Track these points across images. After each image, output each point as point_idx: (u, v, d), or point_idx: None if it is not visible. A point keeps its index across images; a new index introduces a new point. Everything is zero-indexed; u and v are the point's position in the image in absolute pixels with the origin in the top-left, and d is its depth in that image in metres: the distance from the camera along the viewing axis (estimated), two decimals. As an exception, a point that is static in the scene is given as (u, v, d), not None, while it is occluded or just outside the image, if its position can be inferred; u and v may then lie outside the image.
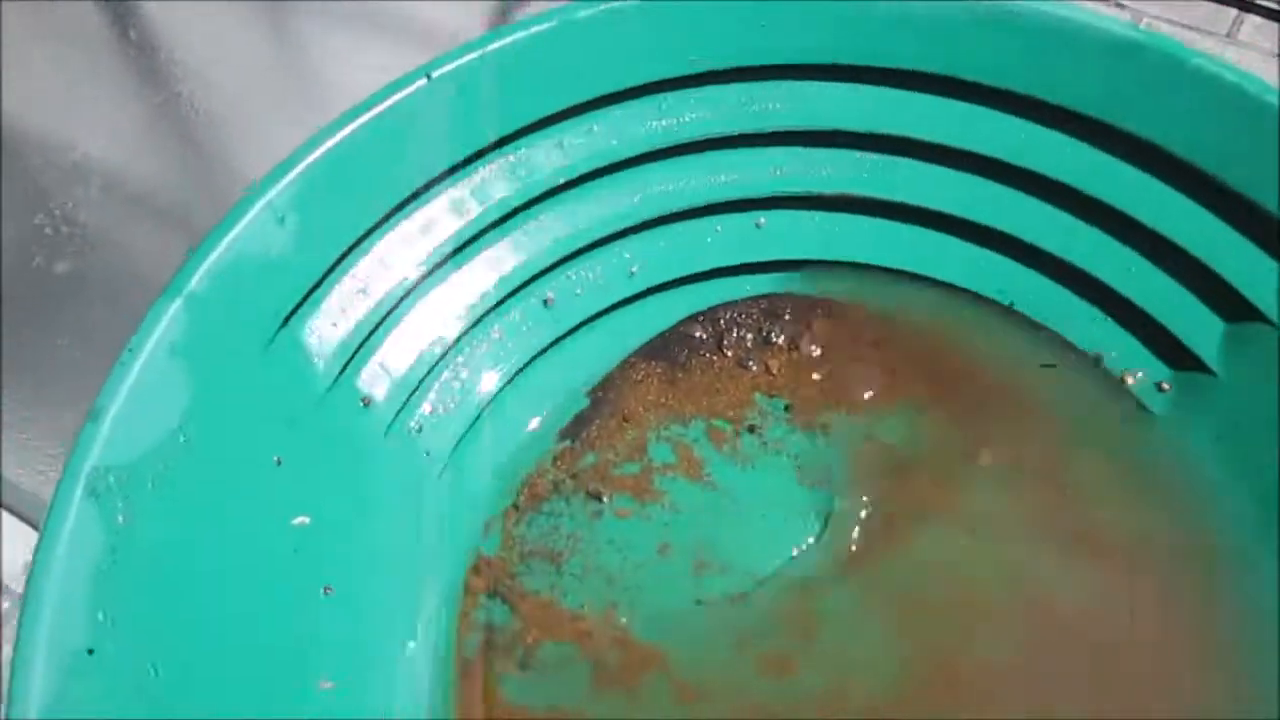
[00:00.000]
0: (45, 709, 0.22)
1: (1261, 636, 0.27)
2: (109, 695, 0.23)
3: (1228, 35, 0.44)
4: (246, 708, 0.25)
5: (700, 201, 0.33)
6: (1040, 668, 0.28)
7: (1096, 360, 0.32)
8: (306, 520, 0.28)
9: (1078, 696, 0.28)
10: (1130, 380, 0.31)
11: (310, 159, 0.29)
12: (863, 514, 0.30)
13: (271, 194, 0.28)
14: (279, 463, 0.28)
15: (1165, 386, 0.31)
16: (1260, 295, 0.29)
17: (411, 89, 0.30)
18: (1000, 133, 0.31)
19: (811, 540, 0.30)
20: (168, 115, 0.34)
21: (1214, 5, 0.45)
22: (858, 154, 0.33)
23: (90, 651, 0.23)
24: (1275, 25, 0.44)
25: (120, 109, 0.33)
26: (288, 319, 0.29)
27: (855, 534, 0.30)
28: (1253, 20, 0.44)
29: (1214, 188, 0.29)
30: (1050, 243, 0.32)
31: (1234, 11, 0.44)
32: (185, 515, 0.26)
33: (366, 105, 0.29)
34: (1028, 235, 0.32)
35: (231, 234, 0.28)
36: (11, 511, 0.34)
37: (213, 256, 0.28)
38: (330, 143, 0.29)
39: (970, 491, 0.30)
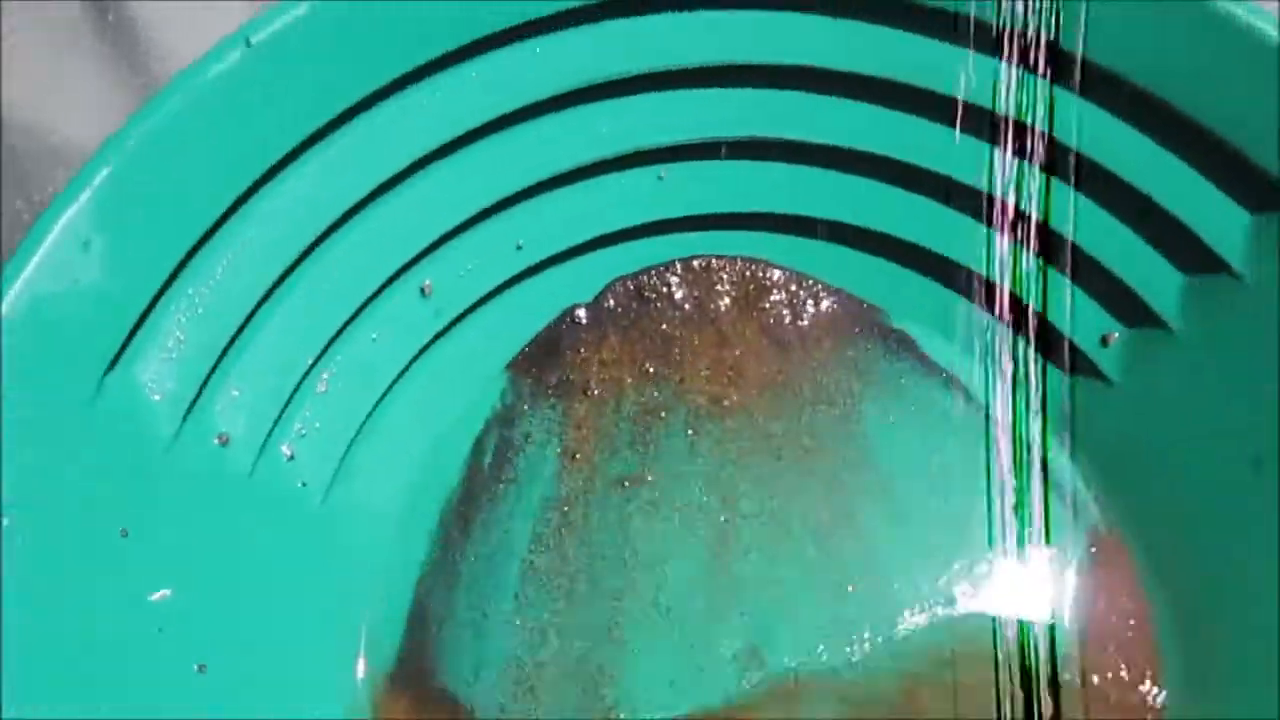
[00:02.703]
0: None
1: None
2: None
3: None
4: (119, 828, 0.23)
5: (590, 157, 0.29)
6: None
7: (1039, 313, 0.29)
8: (168, 593, 0.25)
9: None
10: (1076, 335, 0.28)
11: (110, 167, 0.24)
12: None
13: (68, 215, 0.24)
14: (125, 534, 0.24)
15: (1111, 339, 0.28)
16: (1227, 246, 0.26)
17: (225, 64, 0.24)
18: (923, 61, 0.27)
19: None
20: (148, 98, 0.31)
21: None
22: (764, 92, 0.28)
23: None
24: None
25: (100, 92, 0.31)
26: (114, 362, 0.24)
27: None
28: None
29: (1176, 124, 0.25)
30: (986, 183, 0.28)
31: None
32: (19, 617, 0.23)
33: (169, 93, 0.24)
34: (958, 174, 0.28)
35: (25, 273, 0.23)
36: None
37: (5, 303, 0.23)
38: (132, 142, 0.24)
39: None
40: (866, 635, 0.28)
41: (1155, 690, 0.27)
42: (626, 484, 0.29)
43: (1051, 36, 0.26)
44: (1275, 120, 0.24)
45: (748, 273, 0.30)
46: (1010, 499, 0.29)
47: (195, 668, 0.25)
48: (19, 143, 0.31)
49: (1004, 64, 0.26)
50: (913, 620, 0.28)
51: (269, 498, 0.27)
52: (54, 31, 0.31)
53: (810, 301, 0.30)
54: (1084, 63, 0.26)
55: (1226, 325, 0.26)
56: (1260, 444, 0.26)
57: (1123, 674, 0.27)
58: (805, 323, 0.30)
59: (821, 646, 0.28)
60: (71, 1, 0.31)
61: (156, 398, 0.25)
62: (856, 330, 0.30)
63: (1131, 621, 0.28)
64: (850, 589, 0.28)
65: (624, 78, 0.28)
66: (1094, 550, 0.28)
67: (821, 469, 0.29)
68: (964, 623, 0.28)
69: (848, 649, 0.28)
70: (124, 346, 0.25)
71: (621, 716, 0.27)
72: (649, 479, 0.29)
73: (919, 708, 0.27)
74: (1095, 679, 0.27)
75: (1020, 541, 0.28)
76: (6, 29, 0.30)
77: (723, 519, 0.29)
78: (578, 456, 0.29)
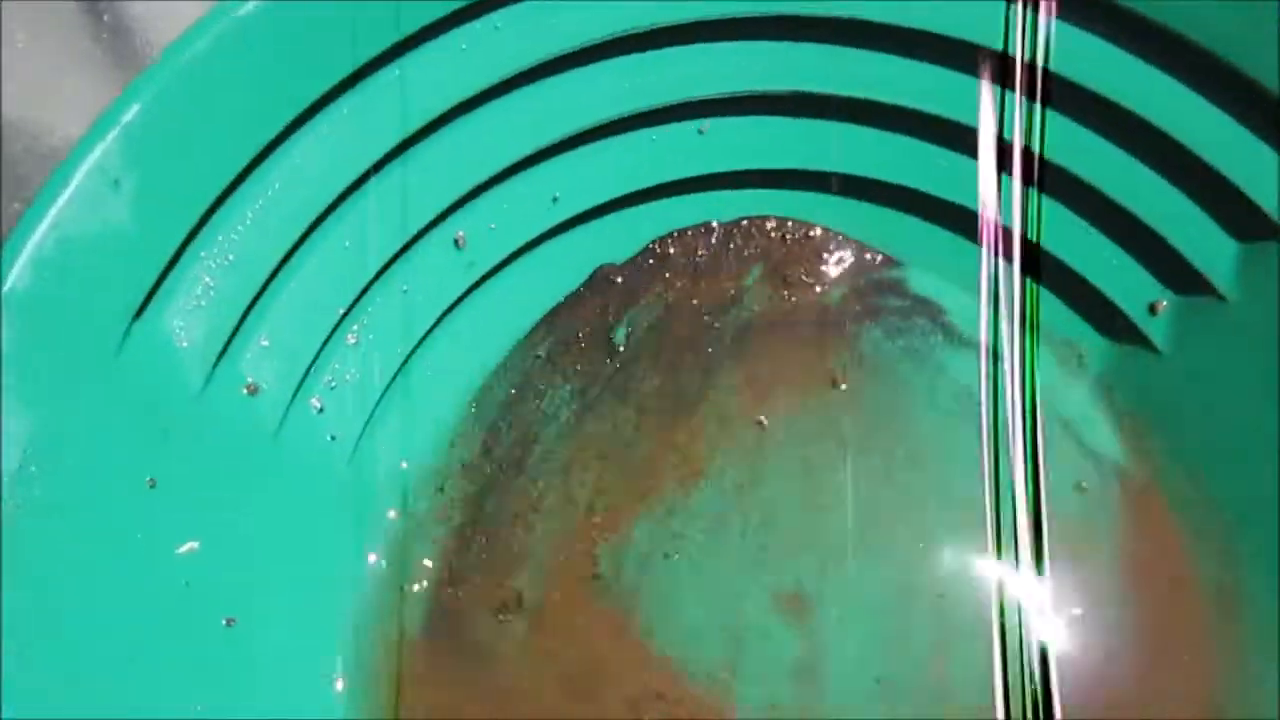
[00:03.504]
0: None
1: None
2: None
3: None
4: (149, 783, 0.22)
5: (627, 109, 0.28)
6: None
7: (1087, 278, 0.28)
8: (195, 546, 0.24)
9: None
10: (1124, 301, 0.28)
11: (142, 102, 0.23)
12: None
13: (97, 153, 0.23)
14: (153, 484, 0.24)
15: (1161, 306, 0.27)
16: None
17: (257, 3, 0.24)
18: (979, 18, 0.26)
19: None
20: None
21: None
22: (816, 46, 0.27)
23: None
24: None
25: (96, 93, 0.30)
26: (141, 308, 0.24)
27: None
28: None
29: (1237, 87, 0.25)
30: (1036, 144, 0.27)
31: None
32: (46, 568, 0.22)
33: (200, 29, 0.23)
34: (1009, 134, 0.27)
35: (52, 211, 0.22)
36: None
37: (31, 243, 0.22)
38: (161, 79, 0.23)
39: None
40: (892, 603, 0.28)
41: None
42: (653, 445, 0.28)
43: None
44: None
45: (787, 233, 0.29)
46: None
47: (223, 621, 0.24)
48: (17, 144, 0.30)
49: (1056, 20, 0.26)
50: (930, 589, 0.27)
51: (297, 450, 0.26)
52: (50, 32, 0.31)
53: (852, 265, 0.29)
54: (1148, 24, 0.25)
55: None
56: (1311, 413, 0.26)
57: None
58: (846, 287, 0.29)
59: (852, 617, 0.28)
60: (67, 2, 0.30)
61: (185, 346, 0.24)
62: (895, 298, 0.29)
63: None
64: (884, 559, 0.28)
65: (664, 27, 0.27)
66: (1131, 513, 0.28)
67: (853, 438, 0.28)
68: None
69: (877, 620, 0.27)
70: (152, 293, 0.24)
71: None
72: (677, 442, 0.29)
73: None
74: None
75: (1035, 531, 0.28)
76: (5, 34, 0.30)
77: (749, 483, 0.28)
78: (603, 417, 0.29)
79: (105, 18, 0.31)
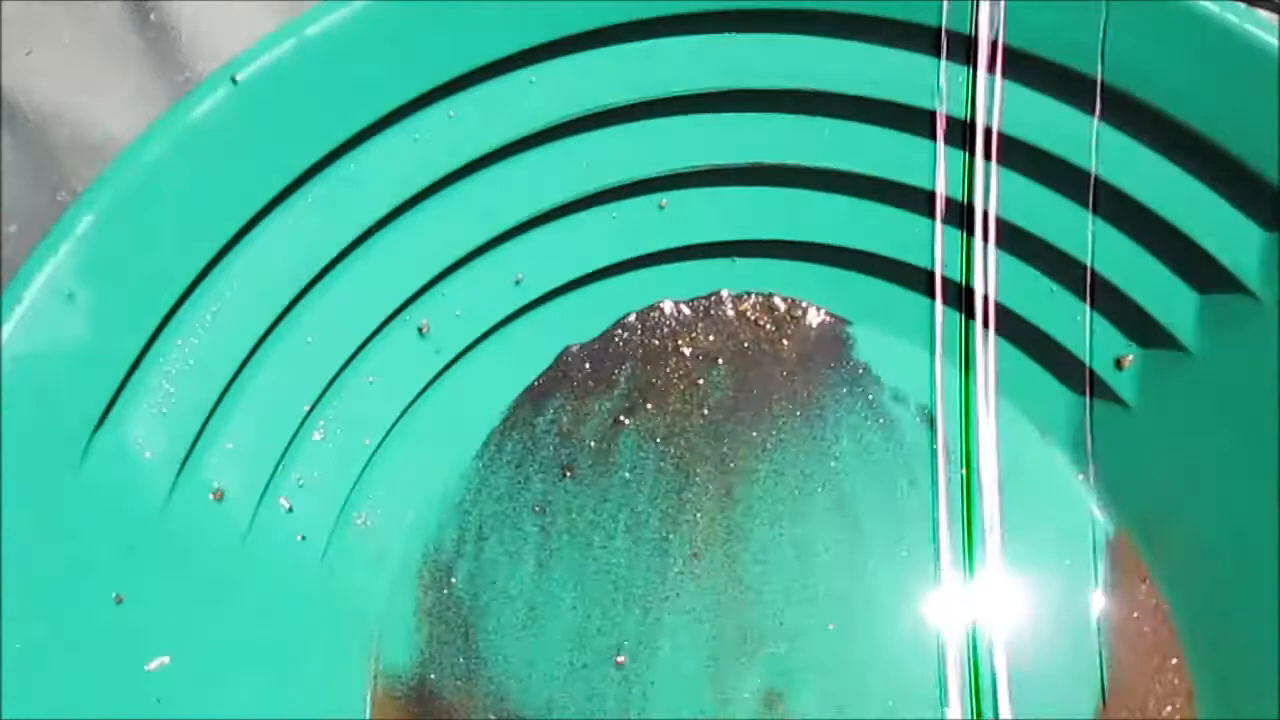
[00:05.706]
0: None
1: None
2: None
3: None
4: None
5: (587, 189, 0.28)
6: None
7: (1052, 335, 0.28)
8: (166, 660, 0.24)
9: None
10: (1089, 356, 0.28)
11: (92, 215, 0.23)
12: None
13: (50, 267, 0.22)
14: (120, 600, 0.23)
15: (1128, 360, 0.28)
16: (1243, 265, 0.25)
17: (210, 102, 0.23)
18: (930, 84, 0.26)
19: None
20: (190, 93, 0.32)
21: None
22: (772, 116, 0.27)
23: None
24: None
25: (142, 88, 0.31)
26: (101, 421, 0.23)
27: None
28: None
29: (1190, 143, 0.25)
30: (996, 205, 0.27)
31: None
32: (14, 692, 0.21)
33: (152, 135, 0.23)
34: (965, 196, 0.28)
35: (5, 330, 0.22)
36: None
37: (-15, 366, 0.22)
38: (114, 188, 0.23)
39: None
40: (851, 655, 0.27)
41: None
42: (624, 528, 0.28)
43: (1067, 60, 0.25)
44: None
45: (748, 302, 0.29)
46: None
47: (197, 738, 0.24)
48: (63, 139, 0.31)
49: (1013, 85, 0.26)
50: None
51: (268, 553, 0.26)
52: (96, 28, 0.31)
53: (814, 330, 0.29)
54: (1101, 85, 0.25)
55: (1243, 344, 0.26)
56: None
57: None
58: (810, 353, 0.29)
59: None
60: (114, 2, 0.31)
61: (148, 455, 0.24)
62: (867, 370, 0.29)
63: (1146, 628, 0.27)
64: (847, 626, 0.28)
65: (620, 106, 0.27)
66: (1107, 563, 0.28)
67: (826, 497, 0.28)
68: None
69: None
70: (112, 404, 0.23)
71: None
72: (650, 524, 0.28)
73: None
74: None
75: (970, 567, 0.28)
76: (52, 29, 0.30)
77: (726, 559, 0.28)
78: (576, 502, 0.28)
79: (151, 15, 0.31)
